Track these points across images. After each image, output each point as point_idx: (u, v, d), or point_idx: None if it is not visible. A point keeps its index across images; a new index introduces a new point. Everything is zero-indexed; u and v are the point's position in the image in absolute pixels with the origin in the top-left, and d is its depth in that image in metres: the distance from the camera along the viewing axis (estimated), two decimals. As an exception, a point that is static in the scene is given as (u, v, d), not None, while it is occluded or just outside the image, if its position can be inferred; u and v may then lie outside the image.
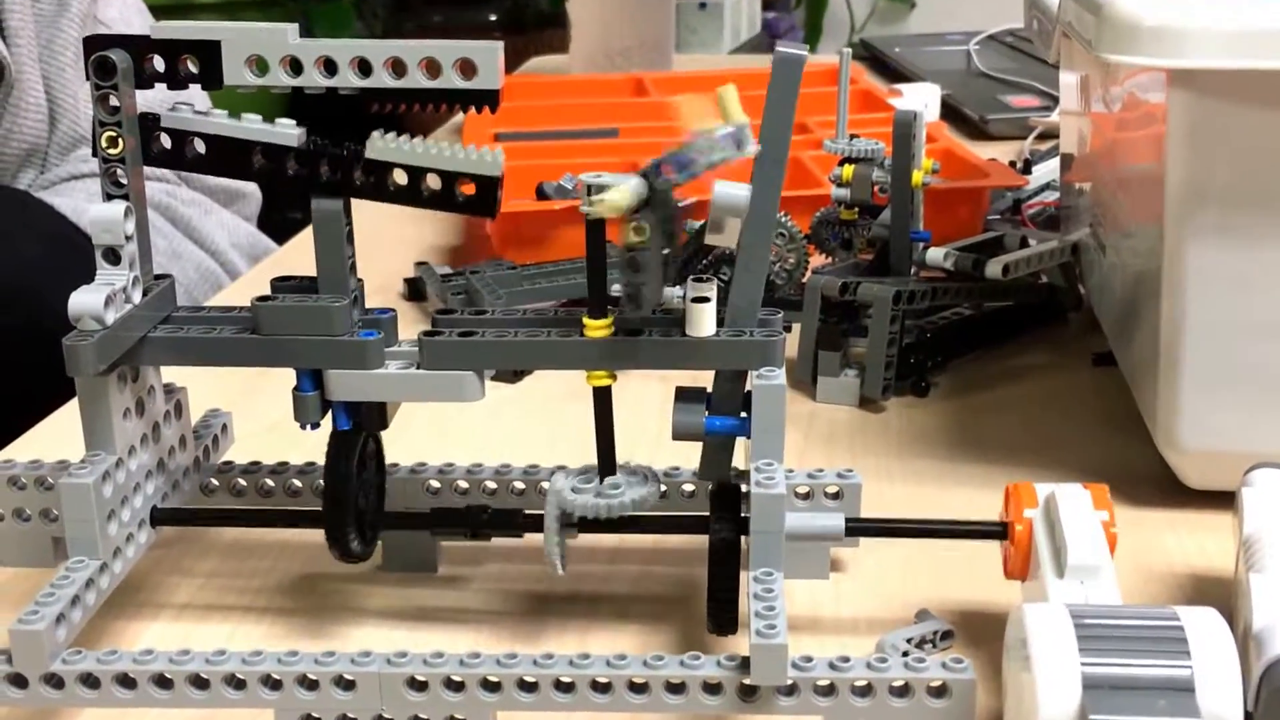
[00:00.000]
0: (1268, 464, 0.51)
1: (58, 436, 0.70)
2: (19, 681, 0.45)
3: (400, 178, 0.47)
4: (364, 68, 0.46)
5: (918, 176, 0.75)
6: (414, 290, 0.88)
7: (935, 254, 0.74)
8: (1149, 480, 0.61)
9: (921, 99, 1.30)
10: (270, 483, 0.57)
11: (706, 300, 0.46)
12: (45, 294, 0.91)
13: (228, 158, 0.48)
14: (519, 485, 0.56)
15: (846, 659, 0.43)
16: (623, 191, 0.43)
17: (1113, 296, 0.71)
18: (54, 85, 1.02)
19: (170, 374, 0.54)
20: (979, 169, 0.96)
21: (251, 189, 1.13)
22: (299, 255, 1.05)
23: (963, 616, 0.52)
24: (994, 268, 0.72)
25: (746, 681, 0.43)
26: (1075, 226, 0.81)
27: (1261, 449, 0.53)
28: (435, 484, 0.56)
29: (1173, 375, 0.57)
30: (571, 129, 1.11)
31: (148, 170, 1.09)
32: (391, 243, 0.98)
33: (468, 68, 0.45)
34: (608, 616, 0.53)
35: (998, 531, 0.49)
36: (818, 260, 0.83)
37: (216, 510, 0.56)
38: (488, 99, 0.45)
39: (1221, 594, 0.51)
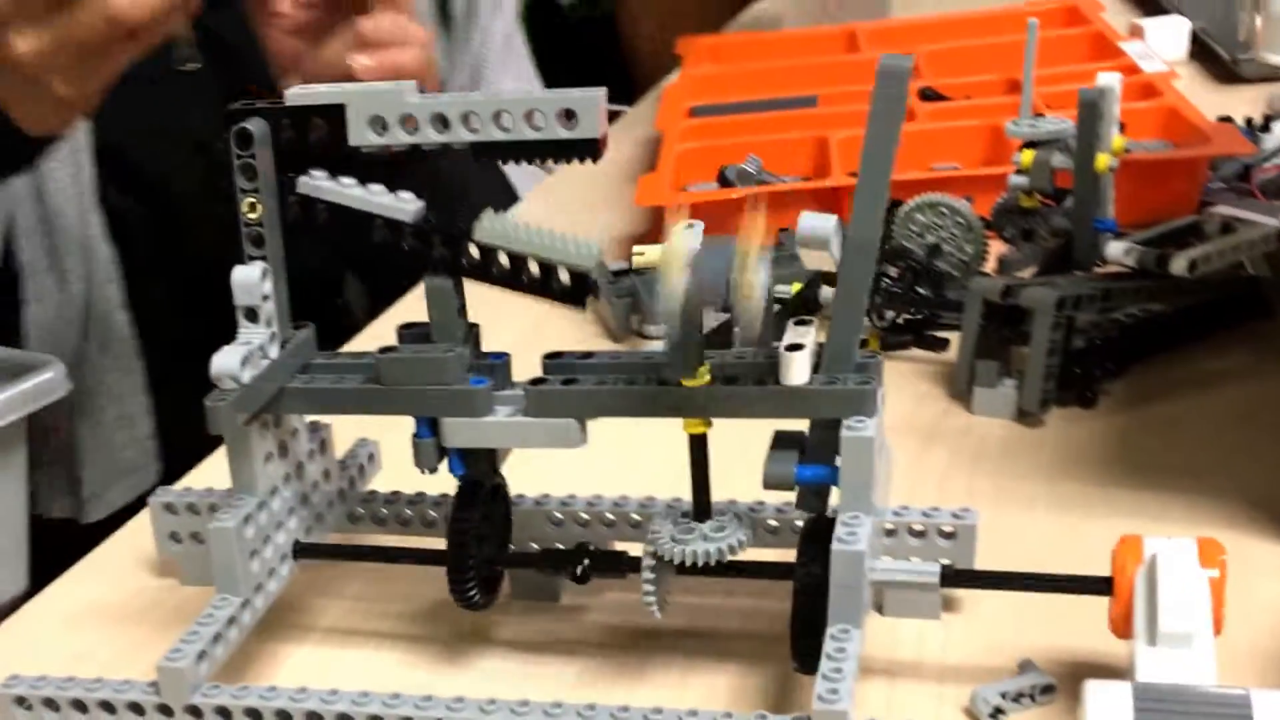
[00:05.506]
0: None
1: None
2: (166, 710, 0.50)
3: (504, 260, 0.48)
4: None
5: (1103, 160, 0.70)
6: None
7: (1116, 248, 0.70)
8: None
9: (1167, 36, 1.21)
10: (409, 512, 0.60)
11: (800, 348, 0.46)
12: None
13: (352, 226, 0.50)
14: (635, 518, 0.57)
15: (907, 734, 0.42)
16: None
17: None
18: None
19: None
20: (1201, 133, 0.88)
21: None
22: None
23: (1072, 667, 0.50)
24: (1179, 263, 0.67)
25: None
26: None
27: None
28: (559, 515, 0.58)
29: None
30: (768, 99, 1.08)
31: None
32: (586, 228, 1.00)
33: (568, 116, 0.46)
34: (710, 655, 0.54)
35: (1102, 587, 0.47)
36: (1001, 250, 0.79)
37: (351, 546, 0.59)
38: (589, 148, 0.46)
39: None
